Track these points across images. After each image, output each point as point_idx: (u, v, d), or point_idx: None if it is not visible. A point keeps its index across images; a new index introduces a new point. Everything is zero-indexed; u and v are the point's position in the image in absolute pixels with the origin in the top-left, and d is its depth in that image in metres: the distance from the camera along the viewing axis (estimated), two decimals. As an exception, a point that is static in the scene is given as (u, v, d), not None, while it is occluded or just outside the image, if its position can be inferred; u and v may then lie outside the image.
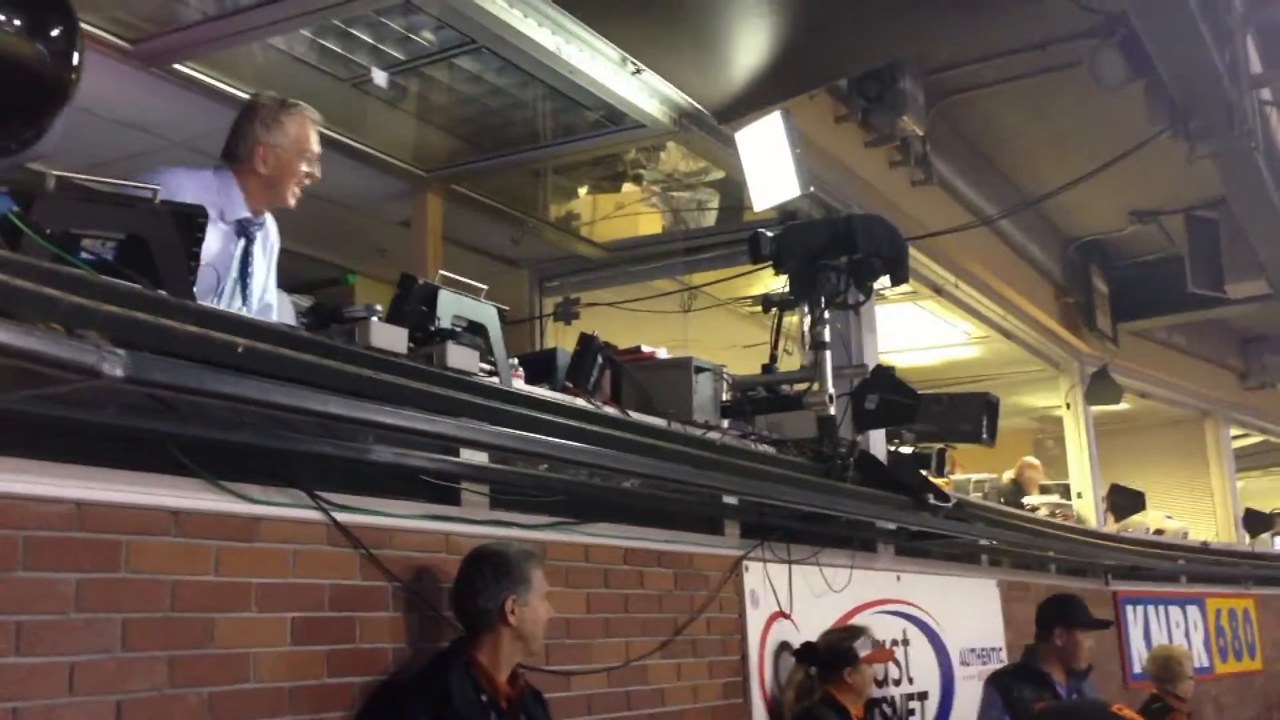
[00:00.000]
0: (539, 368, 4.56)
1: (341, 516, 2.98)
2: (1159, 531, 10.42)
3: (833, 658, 4.58)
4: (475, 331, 3.94)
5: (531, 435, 3.65)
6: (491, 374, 3.85)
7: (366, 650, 2.99)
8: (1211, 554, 10.13)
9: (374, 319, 3.43)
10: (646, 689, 3.92)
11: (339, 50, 5.50)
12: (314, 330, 3.46)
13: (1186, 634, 8.40)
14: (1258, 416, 13.10)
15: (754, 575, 4.61)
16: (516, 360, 4.42)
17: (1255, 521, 12.32)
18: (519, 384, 4.13)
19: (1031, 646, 5.23)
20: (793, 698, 4.62)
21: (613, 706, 3.76)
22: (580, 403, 4.20)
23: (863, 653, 4.58)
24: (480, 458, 3.57)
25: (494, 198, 7.17)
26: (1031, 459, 10.41)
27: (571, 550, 3.77)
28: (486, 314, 4.03)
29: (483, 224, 7.32)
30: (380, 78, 5.78)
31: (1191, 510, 11.85)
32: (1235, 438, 12.85)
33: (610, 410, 4.34)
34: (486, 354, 3.93)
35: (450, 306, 3.83)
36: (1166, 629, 8.24)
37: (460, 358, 3.62)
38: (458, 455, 3.48)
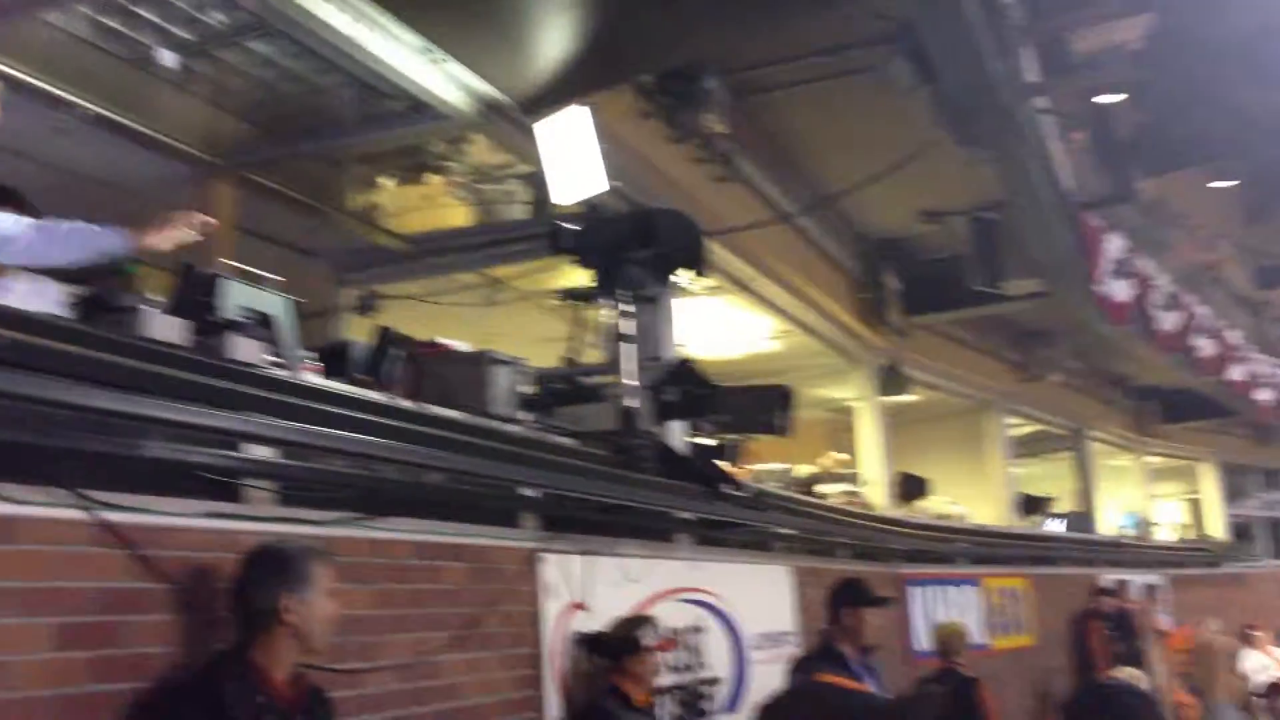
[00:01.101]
0: (332, 360, 4.47)
1: (109, 515, 2.84)
2: (942, 516, 11.03)
3: (617, 647, 4.65)
4: (264, 323, 3.85)
5: (319, 429, 3.58)
6: (280, 366, 3.76)
7: (135, 655, 2.86)
8: (989, 536, 10.77)
9: (148, 308, 3.31)
10: (437, 684, 3.89)
11: (122, 29, 5.24)
12: (84, 321, 3.31)
13: (964, 612, 8.89)
14: (1033, 406, 13.98)
15: (550, 567, 4.63)
16: (312, 353, 4.33)
17: (1030, 505, 13.20)
18: (311, 377, 4.04)
19: (825, 630, 5.46)
20: (579, 688, 4.66)
21: (402, 703, 3.72)
22: (374, 395, 4.14)
23: (646, 641, 4.66)
24: (265, 452, 3.48)
25: (291, 187, 6.98)
26: (840, 455, 10.84)
27: (362, 546, 3.70)
28: (275, 304, 3.93)
29: (279, 214, 7.10)
30: (168, 59, 5.54)
31: (972, 495, 12.55)
32: (1012, 426, 13.68)
33: (405, 404, 4.29)
34: (275, 346, 3.83)
35: (234, 296, 3.73)
36: (947, 608, 8.70)
37: (243, 349, 3.52)
38: (239, 450, 3.37)
